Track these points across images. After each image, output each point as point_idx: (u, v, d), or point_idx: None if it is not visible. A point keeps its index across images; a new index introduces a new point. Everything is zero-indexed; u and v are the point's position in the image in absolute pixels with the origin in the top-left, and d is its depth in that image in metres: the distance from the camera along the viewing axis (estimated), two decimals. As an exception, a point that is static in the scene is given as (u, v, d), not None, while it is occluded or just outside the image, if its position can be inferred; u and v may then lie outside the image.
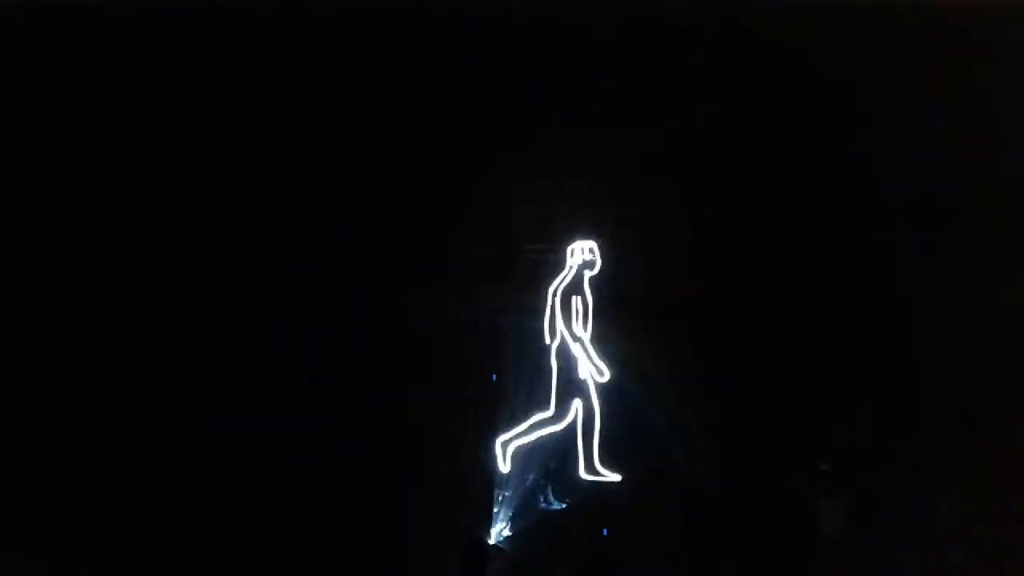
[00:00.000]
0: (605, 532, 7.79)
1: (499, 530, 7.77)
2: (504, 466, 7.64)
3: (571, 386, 7.67)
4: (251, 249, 8.06)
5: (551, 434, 7.69)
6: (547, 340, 7.73)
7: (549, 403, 7.67)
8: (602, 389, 7.68)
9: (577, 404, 7.66)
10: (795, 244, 8.15)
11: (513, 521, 7.79)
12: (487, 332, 8.04)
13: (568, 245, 7.82)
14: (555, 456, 7.80)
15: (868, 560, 7.65)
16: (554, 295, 7.74)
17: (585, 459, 7.64)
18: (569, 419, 7.66)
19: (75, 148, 8.10)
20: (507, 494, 7.78)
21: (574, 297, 7.71)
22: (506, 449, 7.63)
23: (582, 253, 7.78)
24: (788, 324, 8.08)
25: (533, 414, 7.68)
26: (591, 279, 7.77)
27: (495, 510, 7.78)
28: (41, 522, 7.62)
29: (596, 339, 7.71)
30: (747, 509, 7.86)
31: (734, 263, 8.12)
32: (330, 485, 7.80)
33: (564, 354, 7.69)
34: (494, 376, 8.04)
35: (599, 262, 7.77)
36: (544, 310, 7.78)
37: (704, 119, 8.14)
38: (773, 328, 8.07)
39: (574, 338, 7.67)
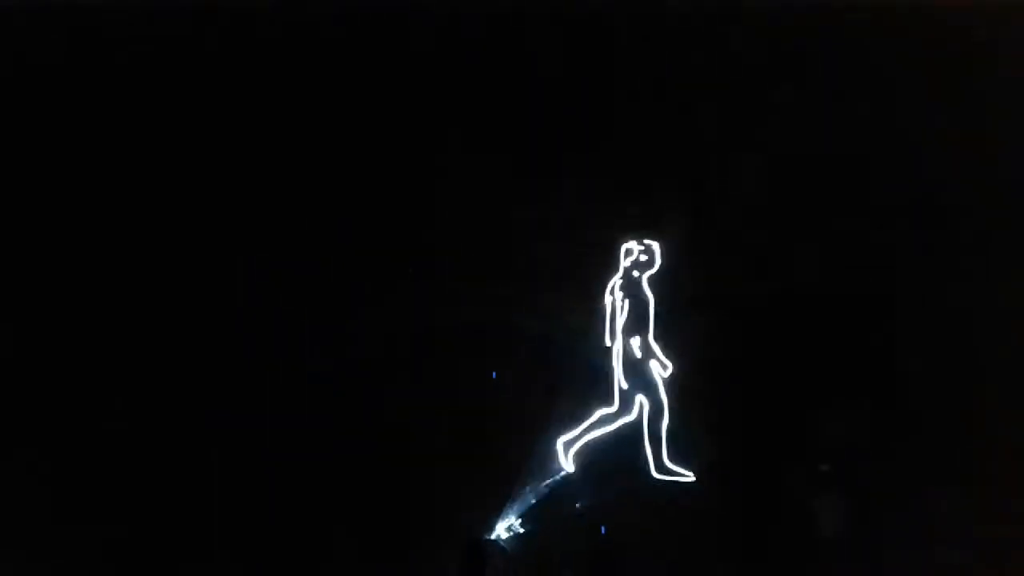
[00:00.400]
0: (604, 530, 7.79)
1: (504, 528, 7.77)
2: (568, 466, 7.65)
3: (633, 384, 7.69)
4: (251, 249, 8.06)
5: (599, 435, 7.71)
6: (607, 341, 7.73)
7: (610, 399, 7.69)
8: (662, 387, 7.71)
9: (641, 402, 7.68)
10: (794, 244, 8.14)
11: (519, 520, 7.79)
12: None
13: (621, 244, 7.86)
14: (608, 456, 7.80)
15: (868, 560, 7.65)
16: (611, 294, 7.78)
17: (655, 458, 7.64)
18: (631, 416, 7.68)
19: (75, 148, 8.10)
20: (525, 491, 7.79)
21: (630, 297, 7.73)
22: (568, 449, 7.65)
23: (633, 254, 7.80)
24: (787, 324, 8.08)
25: (591, 411, 7.70)
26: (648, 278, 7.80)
27: (506, 508, 7.78)
28: (41, 522, 7.63)
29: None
30: (746, 509, 7.86)
31: (732, 263, 8.11)
32: (330, 485, 7.81)
33: (625, 353, 7.71)
34: (493, 374, 8.05)
35: (657, 261, 7.80)
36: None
37: (703, 118, 8.13)
38: (772, 328, 8.07)
39: (633, 336, 7.71)
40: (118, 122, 8.11)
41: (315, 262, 8.04)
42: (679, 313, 7.98)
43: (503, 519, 7.78)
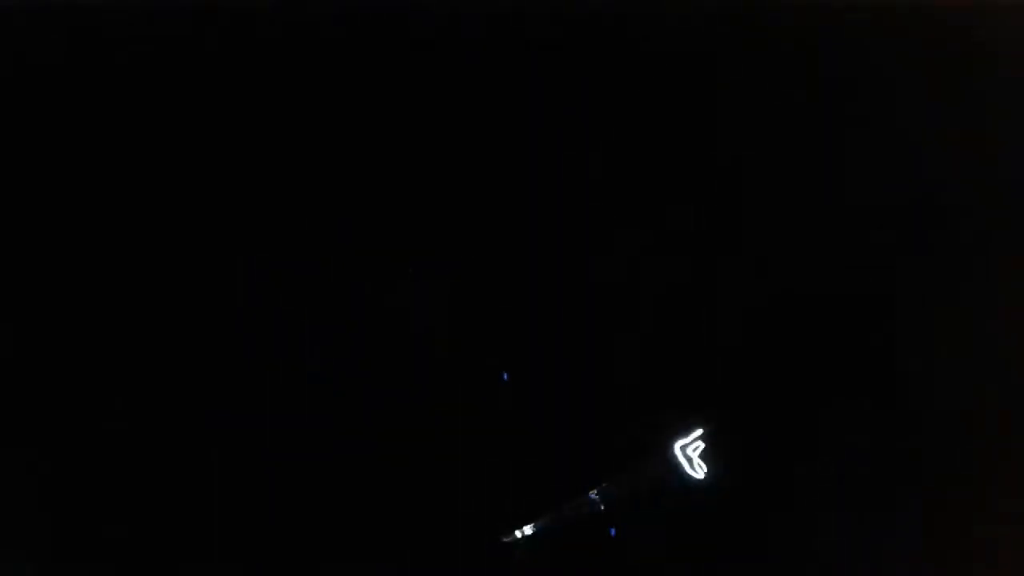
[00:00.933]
0: (613, 532, 7.78)
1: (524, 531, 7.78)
2: (697, 472, 7.70)
3: None
4: (251, 249, 8.06)
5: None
6: None
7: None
8: None
9: None
10: (794, 244, 8.15)
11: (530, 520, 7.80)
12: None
13: None
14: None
15: (868, 560, 7.65)
16: None
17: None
18: None
19: (75, 148, 8.11)
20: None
21: None
22: (687, 454, 7.74)
23: None
24: (788, 324, 8.08)
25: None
26: None
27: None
28: (41, 522, 7.63)
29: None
30: (746, 509, 7.86)
31: (732, 263, 8.12)
32: (331, 485, 7.81)
33: None
34: (504, 375, 8.03)
35: None
36: None
37: (703, 119, 8.14)
38: (772, 328, 8.07)
39: None
40: (118, 122, 8.11)
41: (315, 262, 8.05)
42: (678, 313, 8.00)
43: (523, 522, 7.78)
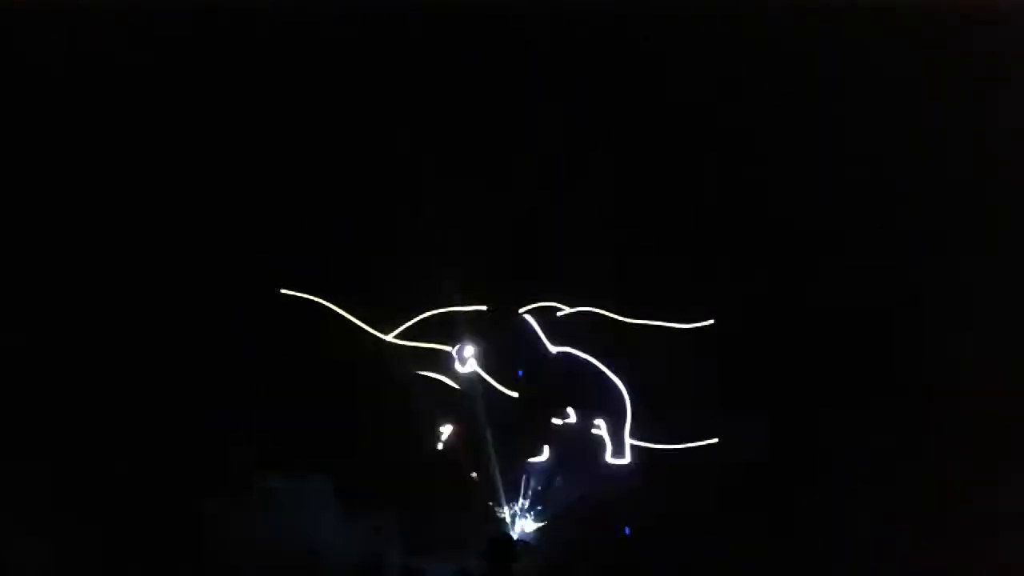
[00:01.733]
0: (628, 531, 7.79)
1: (522, 526, 7.80)
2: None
3: None
4: (251, 249, 8.07)
5: None
6: None
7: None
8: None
9: None
10: (793, 243, 8.16)
11: (536, 517, 7.81)
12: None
13: None
14: None
15: (869, 560, 7.65)
16: None
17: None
18: None
19: (75, 148, 8.12)
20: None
21: None
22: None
23: None
24: (787, 325, 8.09)
25: None
26: None
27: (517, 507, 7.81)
28: (41, 521, 7.62)
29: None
30: (754, 511, 7.85)
31: (732, 263, 8.13)
32: (333, 484, 7.82)
33: None
34: (520, 372, 8.02)
35: None
36: None
37: (705, 119, 8.15)
38: (772, 329, 8.08)
39: None
40: (118, 122, 8.13)
41: (315, 261, 8.05)
42: (690, 317, 8.02)
43: (525, 515, 7.80)
